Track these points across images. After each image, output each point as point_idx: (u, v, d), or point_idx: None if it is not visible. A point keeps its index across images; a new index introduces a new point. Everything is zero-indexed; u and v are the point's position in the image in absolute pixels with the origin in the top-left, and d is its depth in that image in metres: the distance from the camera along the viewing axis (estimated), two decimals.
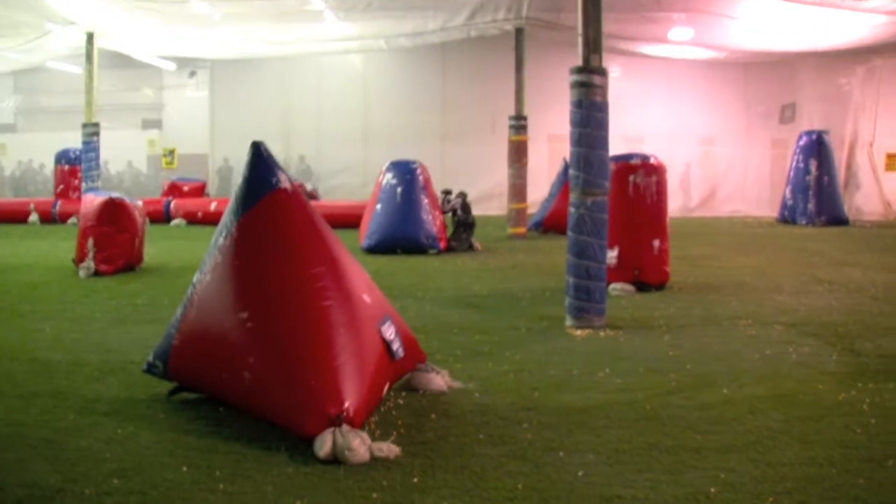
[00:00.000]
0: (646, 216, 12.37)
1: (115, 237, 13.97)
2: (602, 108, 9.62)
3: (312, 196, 27.36)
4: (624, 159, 12.50)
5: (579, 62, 9.71)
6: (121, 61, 28.27)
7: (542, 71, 24.69)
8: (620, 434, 5.88)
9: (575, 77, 9.67)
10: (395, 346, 6.39)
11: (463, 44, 25.74)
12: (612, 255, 11.50)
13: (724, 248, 18.26)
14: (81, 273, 13.70)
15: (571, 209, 9.67)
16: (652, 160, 12.57)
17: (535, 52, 22.76)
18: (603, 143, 9.65)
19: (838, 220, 24.19)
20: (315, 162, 31.74)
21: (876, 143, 27.51)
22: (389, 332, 6.38)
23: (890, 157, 27.79)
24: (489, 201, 27.73)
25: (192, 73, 32.73)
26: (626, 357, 8.26)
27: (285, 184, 6.27)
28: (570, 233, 9.71)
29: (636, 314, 10.54)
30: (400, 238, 17.00)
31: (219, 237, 6.32)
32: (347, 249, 6.67)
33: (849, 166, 27.51)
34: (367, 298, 6.35)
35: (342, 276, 6.23)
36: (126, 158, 33.63)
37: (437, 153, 28.85)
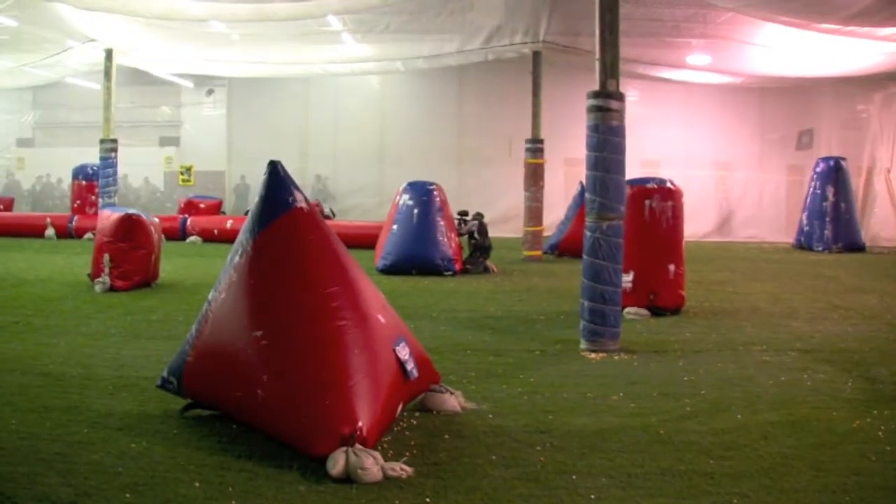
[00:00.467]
0: (661, 240, 12.35)
1: (131, 253, 14.02)
2: (619, 133, 9.63)
3: (328, 218, 27.55)
4: (640, 183, 12.50)
5: (596, 86, 9.72)
6: (139, 78, 28.45)
7: (559, 94, 24.73)
8: (633, 458, 5.86)
9: (592, 101, 9.69)
10: (410, 366, 6.38)
11: (480, 67, 25.83)
12: (627, 279, 11.48)
13: (739, 274, 18.18)
14: (97, 288, 13.75)
15: (587, 233, 9.67)
16: (668, 184, 12.56)
17: (553, 75, 22.81)
18: (619, 167, 9.65)
19: (855, 246, 24.09)
20: (331, 182, 31.80)
21: (893, 170, 27.40)
22: (404, 352, 6.37)
23: None
24: (504, 224, 27.66)
25: (210, 91, 32.87)
26: (639, 381, 8.24)
27: (302, 203, 6.29)
28: (585, 256, 9.70)
29: (651, 338, 10.51)
30: (415, 259, 17.01)
31: (234, 255, 6.34)
32: (363, 269, 6.68)
33: (866, 193, 27.43)
34: (381, 318, 6.36)
35: (357, 296, 6.24)
36: (143, 175, 33.73)
37: (454, 175, 28.93)
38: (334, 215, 26.91)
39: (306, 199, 6.39)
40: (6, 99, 33.91)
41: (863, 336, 10.83)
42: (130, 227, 14.06)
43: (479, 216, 18.41)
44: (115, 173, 23.24)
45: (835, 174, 24.34)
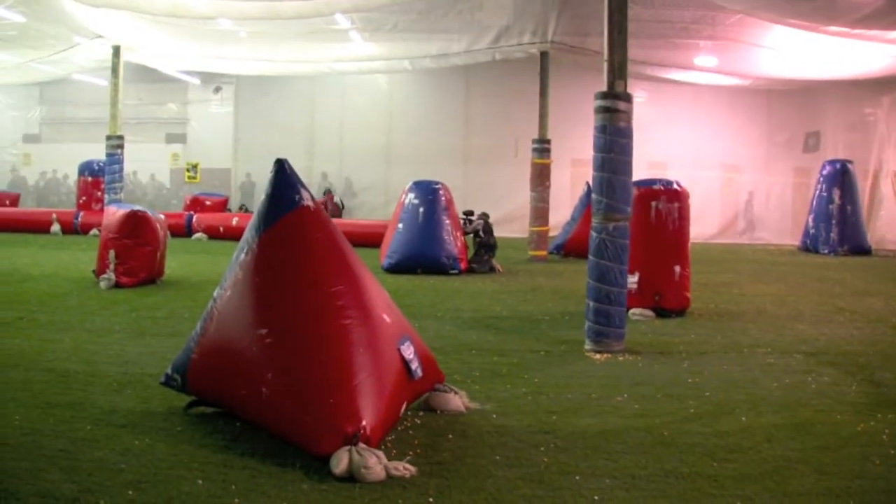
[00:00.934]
0: (667, 242, 12.34)
1: (136, 250, 14.02)
2: (626, 134, 9.62)
3: (339, 209, 27.78)
4: (647, 185, 12.50)
5: (604, 87, 9.71)
6: (146, 75, 28.50)
7: (566, 95, 24.77)
8: (637, 459, 5.84)
9: (599, 102, 9.67)
10: (414, 365, 6.37)
11: (487, 66, 25.83)
12: (632, 280, 11.46)
13: (745, 276, 18.16)
14: (102, 284, 13.76)
15: (593, 233, 9.66)
16: (675, 186, 12.55)
17: (560, 76, 22.83)
18: (626, 168, 9.64)
19: (861, 249, 24.03)
20: (337, 180, 31.81)
21: None
22: (408, 351, 6.37)
23: None
24: (510, 223, 27.66)
25: (218, 89, 32.85)
26: (644, 382, 8.22)
27: (308, 201, 6.29)
28: (591, 257, 9.70)
29: (655, 339, 10.50)
30: (421, 258, 17.01)
31: (240, 253, 6.34)
32: (368, 268, 6.68)
33: (872, 196, 27.37)
34: (386, 318, 6.35)
35: (362, 294, 6.24)
36: (149, 172, 33.76)
37: (460, 174, 28.95)
38: (343, 207, 27.03)
39: (312, 198, 6.40)
40: (13, 95, 33.99)
41: (868, 339, 10.80)
42: (136, 224, 14.06)
43: (484, 216, 18.40)
44: (121, 170, 23.28)
45: (841, 177, 24.26)
